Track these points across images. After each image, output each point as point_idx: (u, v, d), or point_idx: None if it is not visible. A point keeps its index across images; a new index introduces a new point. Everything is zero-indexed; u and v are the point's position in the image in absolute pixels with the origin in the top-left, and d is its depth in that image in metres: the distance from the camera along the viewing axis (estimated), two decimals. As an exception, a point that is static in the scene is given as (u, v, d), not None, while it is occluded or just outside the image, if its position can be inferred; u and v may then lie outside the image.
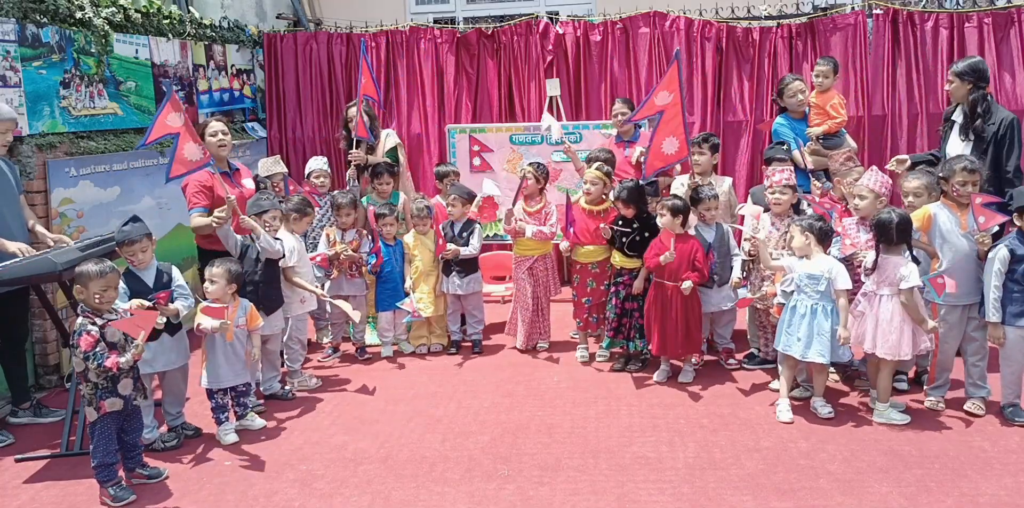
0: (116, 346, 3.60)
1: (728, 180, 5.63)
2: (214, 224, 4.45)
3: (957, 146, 4.90)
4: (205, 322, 4.05)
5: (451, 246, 5.40)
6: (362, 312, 5.53)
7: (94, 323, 3.57)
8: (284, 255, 4.68)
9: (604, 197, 5.22)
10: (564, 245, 5.30)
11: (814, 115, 5.59)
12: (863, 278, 4.26)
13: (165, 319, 3.95)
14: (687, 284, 4.64)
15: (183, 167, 4.33)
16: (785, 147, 5.47)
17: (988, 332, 4.17)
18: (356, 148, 5.88)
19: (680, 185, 5.41)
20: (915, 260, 4.09)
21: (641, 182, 5.19)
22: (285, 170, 5.96)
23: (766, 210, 4.92)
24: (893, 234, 4.08)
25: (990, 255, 4.10)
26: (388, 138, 6.20)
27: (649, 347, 4.97)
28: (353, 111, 5.98)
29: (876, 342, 4.13)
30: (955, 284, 4.02)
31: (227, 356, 4.20)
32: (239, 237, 4.57)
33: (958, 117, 4.97)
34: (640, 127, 6.13)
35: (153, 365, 4.09)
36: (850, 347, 4.26)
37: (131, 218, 4.13)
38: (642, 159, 5.71)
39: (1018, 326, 4.06)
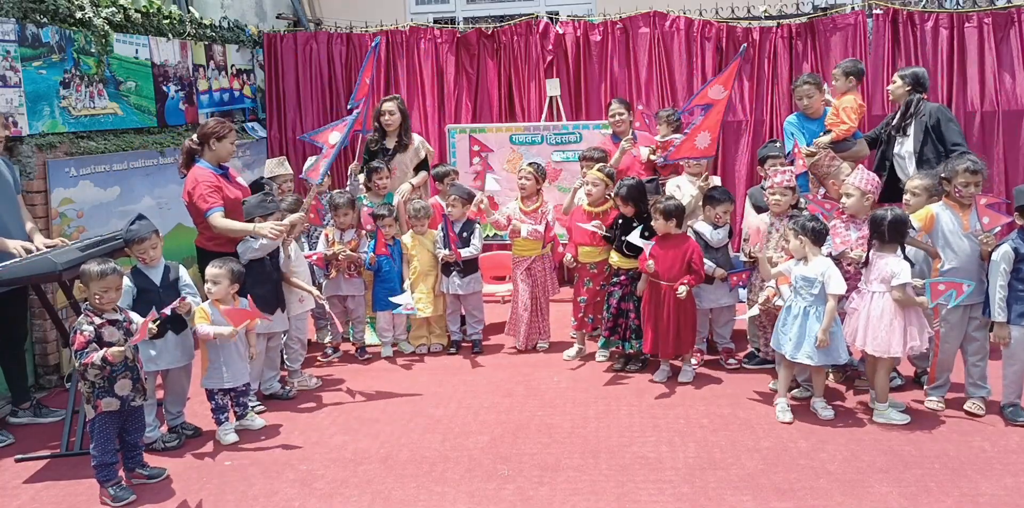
0: (114, 346, 3.60)
1: (716, 179, 5.63)
2: (271, 235, 4.38)
3: (905, 145, 5.24)
4: (210, 329, 4.05)
5: (445, 252, 5.39)
6: (361, 312, 5.54)
7: (91, 322, 3.57)
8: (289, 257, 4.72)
9: (606, 198, 5.22)
10: (568, 257, 5.27)
11: (831, 116, 5.55)
12: (863, 275, 4.27)
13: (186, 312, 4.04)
14: (683, 289, 4.63)
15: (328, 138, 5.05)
16: (778, 145, 5.46)
17: (994, 332, 4.16)
18: (383, 138, 6.00)
19: (676, 187, 5.41)
20: (907, 261, 4.10)
21: (662, 160, 5.46)
22: (290, 172, 5.96)
23: (765, 210, 4.93)
24: (885, 231, 4.09)
25: (994, 256, 4.09)
26: (422, 146, 6.21)
27: (643, 347, 4.97)
28: (387, 105, 5.98)
29: (866, 339, 4.14)
30: (961, 291, 4.02)
31: (228, 356, 4.20)
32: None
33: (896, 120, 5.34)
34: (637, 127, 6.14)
35: (158, 363, 4.10)
36: (848, 347, 4.26)
37: (137, 216, 4.16)
38: (653, 157, 5.75)
39: (1023, 325, 4.06)
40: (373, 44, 5.76)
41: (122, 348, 3.51)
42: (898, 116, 5.30)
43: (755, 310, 4.65)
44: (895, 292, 4.04)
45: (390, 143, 6.04)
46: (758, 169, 5.33)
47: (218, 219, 4.50)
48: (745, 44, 6.55)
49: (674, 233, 4.77)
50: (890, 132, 5.35)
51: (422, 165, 6.14)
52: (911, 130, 5.20)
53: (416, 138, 6.19)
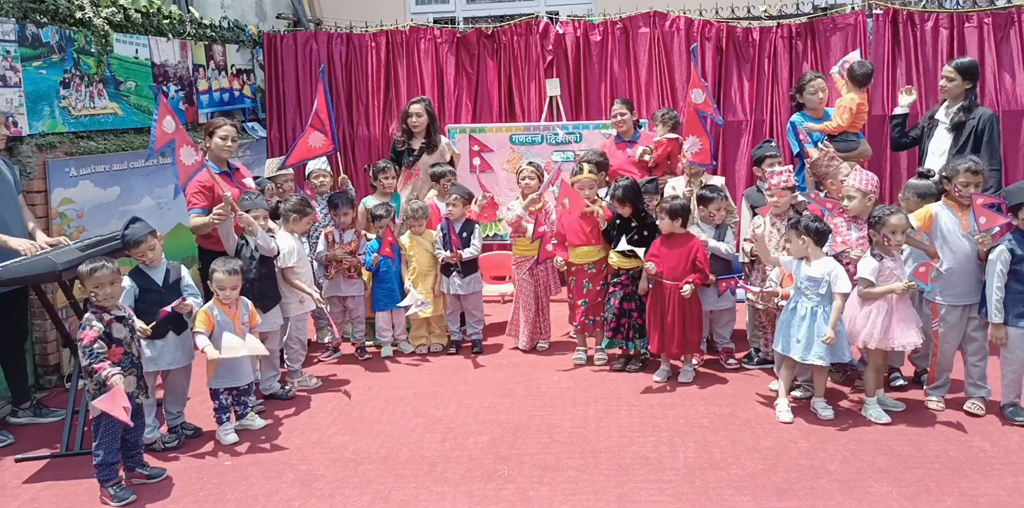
0: (122, 343, 3.63)
1: (720, 179, 5.63)
2: (214, 221, 4.46)
3: (943, 141, 5.08)
4: (205, 343, 4.05)
5: (446, 253, 5.38)
6: (360, 312, 5.54)
7: (100, 319, 3.58)
8: (278, 253, 4.69)
9: (596, 197, 5.21)
10: (559, 260, 5.18)
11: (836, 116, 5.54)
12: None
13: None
14: (687, 288, 4.62)
15: (185, 174, 4.36)
16: (773, 144, 5.48)
17: (991, 332, 4.16)
18: (409, 139, 5.99)
19: (672, 188, 5.40)
20: (876, 256, 4.19)
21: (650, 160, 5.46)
22: (291, 171, 5.96)
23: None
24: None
25: (991, 256, 4.09)
26: (447, 149, 6.21)
27: (648, 346, 4.97)
28: (414, 107, 5.98)
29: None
30: (928, 268, 4.05)
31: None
32: (236, 236, 4.58)
33: (942, 116, 5.15)
34: (640, 127, 6.14)
35: (158, 363, 4.10)
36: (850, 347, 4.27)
37: (131, 220, 4.16)
38: (646, 157, 5.76)
39: (1020, 327, 4.06)
40: (321, 72, 5.84)
41: (122, 381, 3.46)
42: (958, 111, 5.02)
43: (771, 281, 4.60)
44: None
45: (416, 144, 6.04)
46: (755, 170, 5.32)
47: (192, 218, 4.70)
48: (695, 44, 6.53)
49: (678, 232, 4.76)
50: (934, 125, 5.17)
51: (442, 164, 6.14)
52: (963, 129, 4.98)
53: (443, 140, 6.20)
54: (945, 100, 5.20)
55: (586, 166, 5.24)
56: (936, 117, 5.21)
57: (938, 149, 5.11)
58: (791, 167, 5.16)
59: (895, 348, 4.15)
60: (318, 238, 5.43)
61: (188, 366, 4.27)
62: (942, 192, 4.36)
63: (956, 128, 5.01)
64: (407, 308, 5.34)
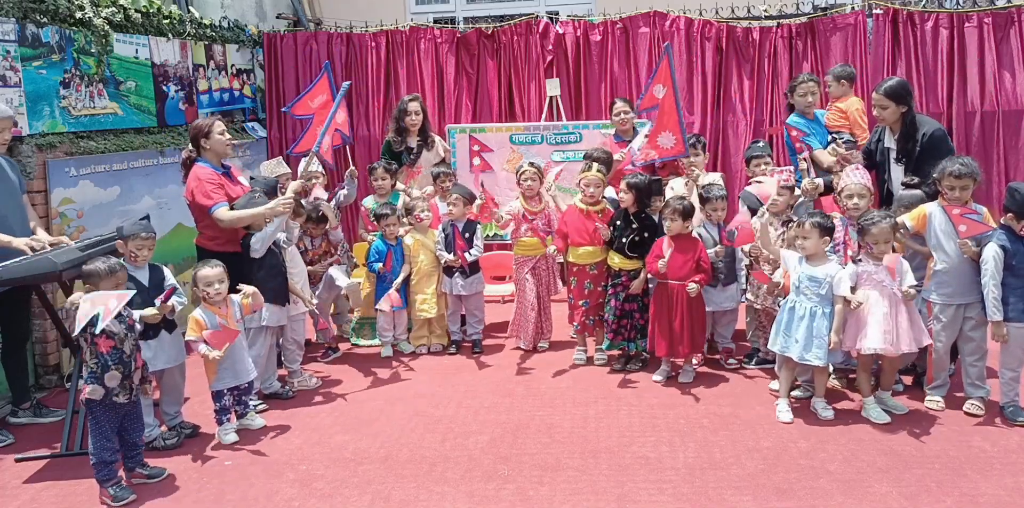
0: (114, 337, 3.61)
1: (717, 175, 5.62)
2: (283, 208, 4.49)
3: (898, 173, 4.79)
4: (205, 349, 4.03)
5: (449, 256, 5.38)
6: (362, 313, 5.56)
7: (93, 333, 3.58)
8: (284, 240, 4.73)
9: (601, 199, 5.21)
10: (551, 249, 5.21)
11: (838, 118, 5.47)
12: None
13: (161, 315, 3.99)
14: (692, 286, 4.62)
15: (305, 143, 5.08)
16: (761, 145, 5.47)
17: (993, 331, 4.15)
18: (405, 138, 5.98)
19: (670, 189, 5.40)
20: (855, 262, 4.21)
21: (633, 164, 5.38)
22: (289, 171, 5.96)
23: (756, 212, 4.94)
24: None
25: (983, 255, 4.09)
26: (440, 145, 6.21)
27: (649, 347, 4.97)
28: (413, 105, 5.96)
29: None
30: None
31: (235, 355, 4.21)
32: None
33: (891, 143, 4.83)
34: (641, 127, 6.13)
35: (154, 363, 4.09)
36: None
37: (144, 216, 4.21)
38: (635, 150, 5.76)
39: (1021, 322, 4.06)
40: (325, 66, 5.70)
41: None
42: (899, 142, 4.75)
43: (778, 276, 4.49)
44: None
45: (413, 142, 6.05)
46: (745, 170, 5.31)
47: (224, 213, 4.50)
48: (668, 42, 6.41)
49: (683, 233, 4.77)
50: (888, 155, 4.86)
51: (440, 164, 6.16)
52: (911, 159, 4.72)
53: (436, 137, 6.22)
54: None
55: (595, 165, 5.22)
56: (888, 146, 4.86)
57: (898, 180, 4.79)
58: (791, 167, 5.16)
59: (863, 351, 4.14)
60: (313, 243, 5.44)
61: (182, 365, 4.27)
62: (936, 193, 4.34)
63: (905, 156, 4.73)
64: (408, 309, 5.34)
